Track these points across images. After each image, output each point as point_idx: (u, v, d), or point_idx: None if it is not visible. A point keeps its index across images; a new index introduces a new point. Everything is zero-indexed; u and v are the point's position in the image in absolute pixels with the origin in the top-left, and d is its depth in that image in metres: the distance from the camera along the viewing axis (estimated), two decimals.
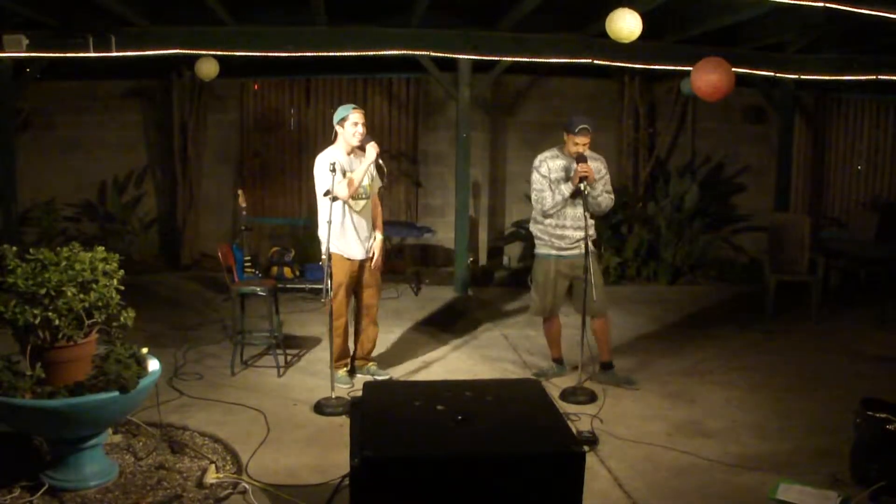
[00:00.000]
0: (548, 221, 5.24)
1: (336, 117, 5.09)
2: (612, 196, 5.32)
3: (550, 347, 5.60)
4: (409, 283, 8.41)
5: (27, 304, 3.38)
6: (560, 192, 5.14)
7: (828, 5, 5.43)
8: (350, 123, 5.01)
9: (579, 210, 5.10)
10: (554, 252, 5.27)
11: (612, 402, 4.97)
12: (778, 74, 8.49)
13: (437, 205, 9.63)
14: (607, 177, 5.30)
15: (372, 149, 4.94)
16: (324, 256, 4.96)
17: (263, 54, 7.75)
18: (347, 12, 7.55)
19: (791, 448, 4.30)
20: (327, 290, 4.86)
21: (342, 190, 4.92)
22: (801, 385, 5.42)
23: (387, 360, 5.85)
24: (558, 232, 5.22)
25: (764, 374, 5.65)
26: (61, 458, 3.59)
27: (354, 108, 5.07)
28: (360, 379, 5.26)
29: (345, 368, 5.36)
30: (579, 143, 5.08)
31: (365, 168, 4.98)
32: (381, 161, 5.01)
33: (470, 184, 8.48)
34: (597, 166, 5.19)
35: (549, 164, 5.20)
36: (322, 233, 4.95)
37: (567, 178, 5.12)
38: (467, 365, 5.81)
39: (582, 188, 5.01)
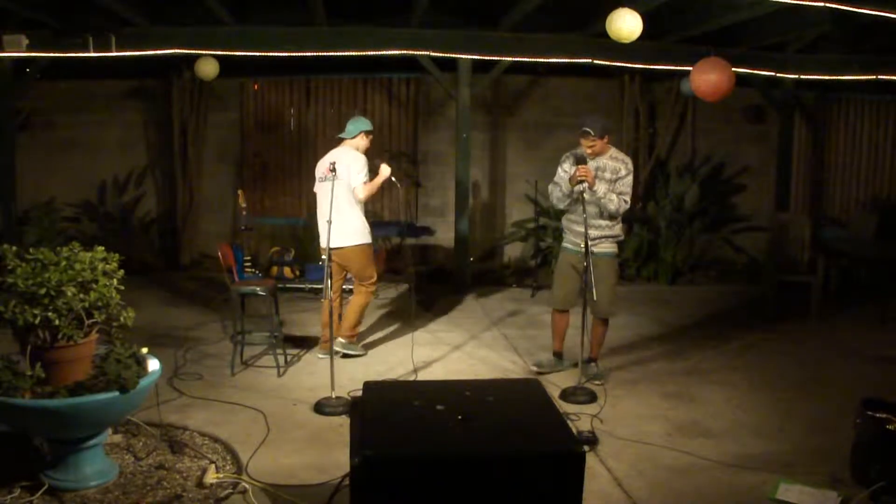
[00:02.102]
0: (569, 215, 5.33)
1: (366, 126, 5.83)
2: (626, 199, 5.18)
3: (553, 339, 5.64)
4: (409, 283, 8.40)
5: (27, 304, 3.38)
6: (560, 189, 5.21)
7: (828, 5, 5.43)
8: (370, 138, 5.88)
9: (592, 209, 5.12)
10: (568, 245, 5.37)
11: (612, 402, 4.98)
12: (778, 74, 8.50)
13: (437, 205, 9.63)
14: (627, 179, 5.19)
15: (386, 168, 5.80)
16: (323, 256, 5.00)
17: (263, 54, 7.75)
18: (347, 12, 7.55)
19: (791, 448, 4.30)
20: (327, 289, 4.88)
21: (366, 192, 5.69)
22: (800, 385, 5.42)
23: (387, 359, 5.85)
24: (572, 227, 5.29)
25: (764, 374, 5.66)
26: (61, 458, 3.59)
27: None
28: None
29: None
30: (583, 143, 5.13)
31: (379, 183, 5.77)
32: (394, 179, 5.84)
33: (470, 184, 8.48)
34: (615, 167, 5.18)
35: (570, 160, 5.25)
36: (360, 226, 5.69)
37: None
38: (467, 365, 5.81)
39: (580, 189, 5.02)
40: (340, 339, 5.83)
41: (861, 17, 5.55)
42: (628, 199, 5.22)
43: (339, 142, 5.92)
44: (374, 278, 5.88)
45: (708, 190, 9.42)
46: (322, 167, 5.76)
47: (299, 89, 9.52)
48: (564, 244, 5.43)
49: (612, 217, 5.22)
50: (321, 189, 5.71)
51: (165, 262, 9.36)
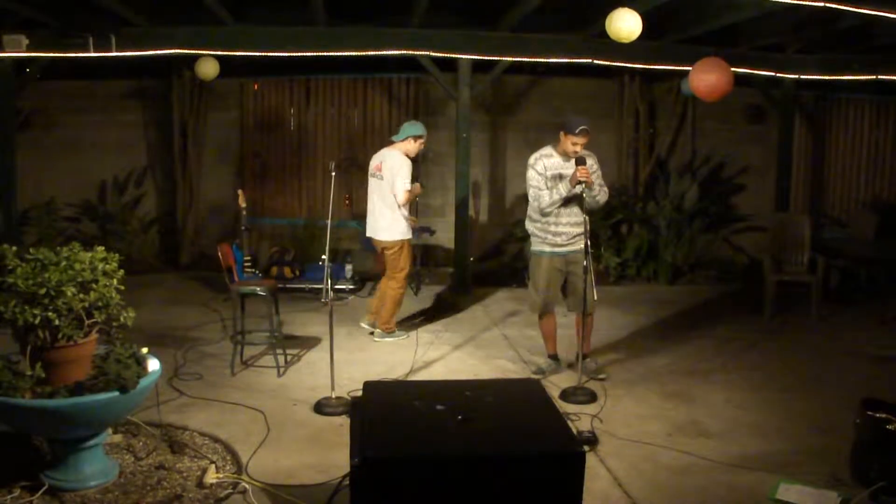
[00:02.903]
0: (545, 219, 5.28)
1: (416, 131, 6.18)
2: (606, 189, 5.35)
3: (546, 343, 5.64)
4: (409, 283, 8.39)
5: (27, 304, 3.38)
6: (557, 192, 5.16)
7: (828, 5, 5.43)
8: (420, 143, 6.24)
9: (575, 208, 5.14)
10: (550, 248, 5.33)
11: (612, 402, 4.98)
12: (778, 74, 8.49)
13: (437, 205, 9.63)
14: (599, 171, 5.32)
15: (418, 188, 6.41)
16: (324, 256, 5.02)
17: (263, 54, 7.75)
18: (347, 12, 7.55)
19: (791, 448, 4.30)
20: (327, 290, 4.89)
21: (405, 199, 6.12)
22: (801, 385, 5.43)
23: (387, 359, 5.86)
24: (555, 229, 5.26)
25: (764, 374, 5.66)
26: (61, 458, 3.59)
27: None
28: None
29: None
30: (578, 143, 5.10)
31: (412, 198, 6.32)
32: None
33: (470, 184, 8.48)
34: (590, 163, 5.22)
35: (544, 163, 5.23)
36: (395, 223, 6.13)
37: (562, 177, 5.15)
38: (467, 365, 5.81)
39: (580, 191, 5.03)
40: (378, 331, 6.38)
41: (861, 17, 5.55)
42: (606, 189, 5.37)
43: (389, 142, 6.39)
44: (405, 271, 6.32)
45: (708, 190, 9.42)
46: (372, 164, 6.33)
47: (299, 89, 9.51)
48: (544, 248, 5.35)
49: (590, 213, 5.30)
50: (369, 185, 6.34)
51: (165, 262, 9.36)
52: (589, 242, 5.17)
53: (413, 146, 6.21)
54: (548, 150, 5.28)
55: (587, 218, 5.03)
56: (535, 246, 5.42)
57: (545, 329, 5.60)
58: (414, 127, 6.24)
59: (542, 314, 5.52)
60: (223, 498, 3.58)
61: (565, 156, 5.19)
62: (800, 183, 9.77)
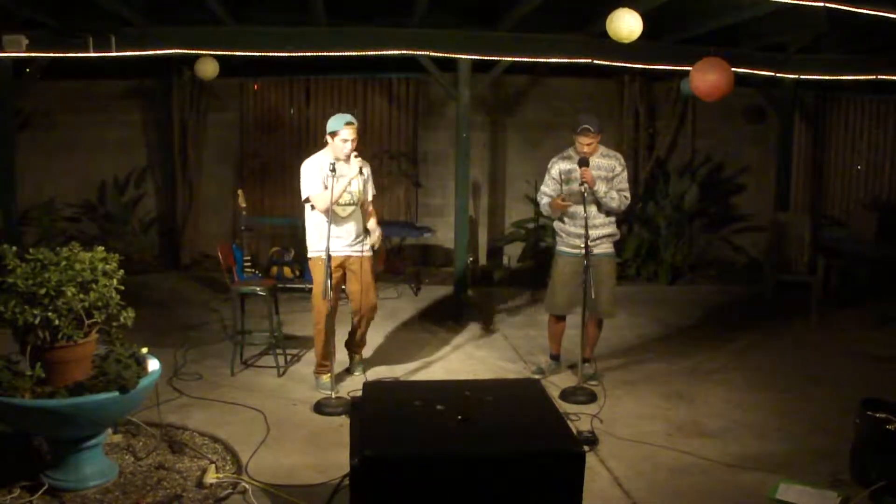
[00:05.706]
0: (566, 220, 5.27)
1: (328, 128, 4.96)
2: (627, 195, 5.23)
3: (550, 344, 5.63)
4: (409, 283, 8.41)
5: (27, 304, 3.38)
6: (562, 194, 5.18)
7: (828, 5, 5.43)
8: (340, 140, 4.89)
9: (593, 209, 5.11)
10: (566, 249, 5.31)
11: (612, 402, 4.98)
12: (778, 74, 8.48)
13: (437, 205, 9.62)
14: (623, 174, 5.23)
15: (355, 163, 4.88)
16: (323, 256, 4.98)
17: (263, 54, 7.75)
18: (347, 12, 7.54)
19: (791, 448, 4.31)
20: (327, 289, 4.88)
21: (320, 202, 4.90)
22: (801, 385, 5.43)
23: (387, 360, 5.86)
24: (573, 230, 5.24)
25: (764, 374, 5.66)
26: (61, 458, 3.60)
27: (347, 124, 4.89)
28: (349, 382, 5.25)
29: (327, 375, 4.96)
30: (582, 142, 5.10)
31: (343, 186, 4.89)
32: (364, 174, 4.95)
33: (470, 184, 8.47)
34: (610, 164, 5.19)
35: (559, 166, 5.23)
36: (308, 237, 5.09)
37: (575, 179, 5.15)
38: (467, 365, 5.81)
39: (582, 191, 5.02)
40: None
41: (859, 17, 5.54)
42: (628, 194, 5.26)
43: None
44: (315, 292, 5.10)
45: (708, 190, 9.42)
46: None
47: (299, 89, 9.51)
48: (562, 248, 5.36)
49: (609, 215, 5.24)
50: None
51: (165, 262, 9.36)
52: (608, 244, 5.20)
53: (335, 147, 4.91)
54: (568, 152, 5.26)
55: (587, 217, 5.00)
56: (557, 245, 5.44)
57: (552, 330, 5.57)
58: (328, 124, 5.00)
59: (553, 314, 5.51)
60: (223, 498, 3.58)
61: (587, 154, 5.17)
62: (800, 183, 9.77)
